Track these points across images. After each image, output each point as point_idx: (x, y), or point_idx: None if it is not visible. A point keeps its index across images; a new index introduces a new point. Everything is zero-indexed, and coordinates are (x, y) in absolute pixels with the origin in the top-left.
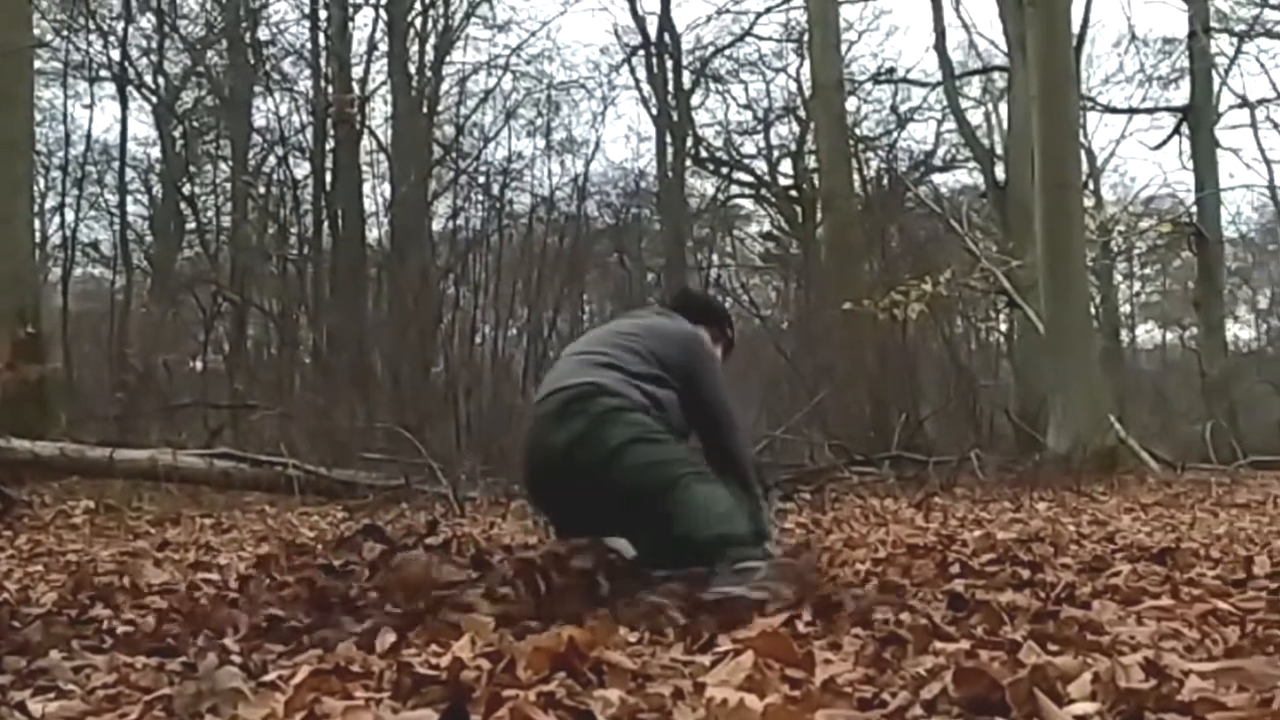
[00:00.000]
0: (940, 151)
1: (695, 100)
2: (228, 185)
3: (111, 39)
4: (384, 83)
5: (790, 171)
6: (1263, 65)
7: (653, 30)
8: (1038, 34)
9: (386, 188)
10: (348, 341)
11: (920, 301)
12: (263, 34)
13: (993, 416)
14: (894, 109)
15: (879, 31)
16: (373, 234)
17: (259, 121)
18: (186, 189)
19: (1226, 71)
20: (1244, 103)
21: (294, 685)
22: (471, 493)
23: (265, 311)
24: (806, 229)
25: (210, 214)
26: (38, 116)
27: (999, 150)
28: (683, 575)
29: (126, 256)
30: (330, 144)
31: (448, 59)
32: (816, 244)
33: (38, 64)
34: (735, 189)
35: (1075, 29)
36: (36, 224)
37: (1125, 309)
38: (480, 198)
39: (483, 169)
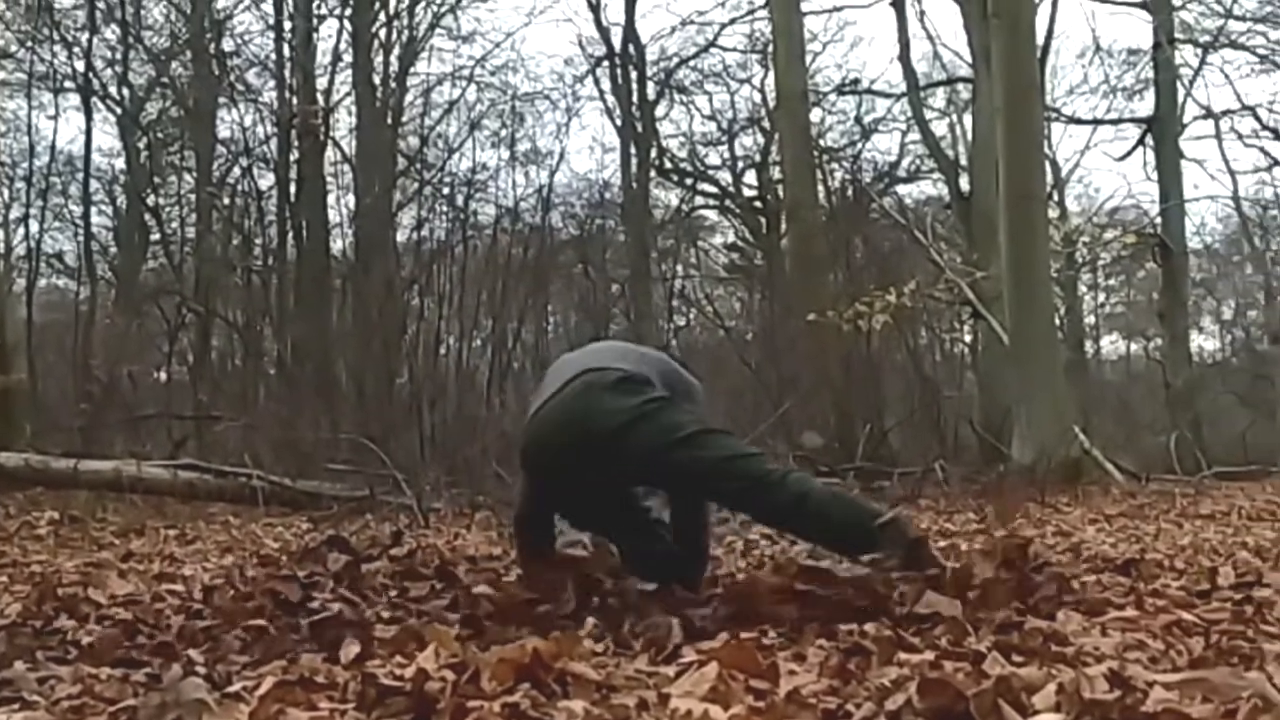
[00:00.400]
0: (905, 162)
1: (660, 111)
2: (192, 196)
3: (76, 50)
4: (348, 94)
5: (755, 182)
6: (1227, 76)
7: (617, 41)
8: (1002, 45)
9: (351, 199)
10: (312, 352)
11: (885, 312)
12: (227, 45)
13: (957, 427)
14: (858, 120)
15: (843, 43)
16: (337, 245)
17: (223, 132)
18: (151, 200)
19: (1191, 83)
20: (1208, 114)
21: (258, 696)
22: (436, 504)
23: (230, 322)
24: (771, 240)
25: (175, 225)
26: (1, 128)
27: (963, 161)
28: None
29: (91, 267)
30: (295, 155)
31: (412, 70)
32: (781, 255)
33: (1, 75)
34: (700, 200)
35: (1040, 40)
36: (0, 235)
37: (1090, 320)
38: (445, 209)
39: (447, 180)
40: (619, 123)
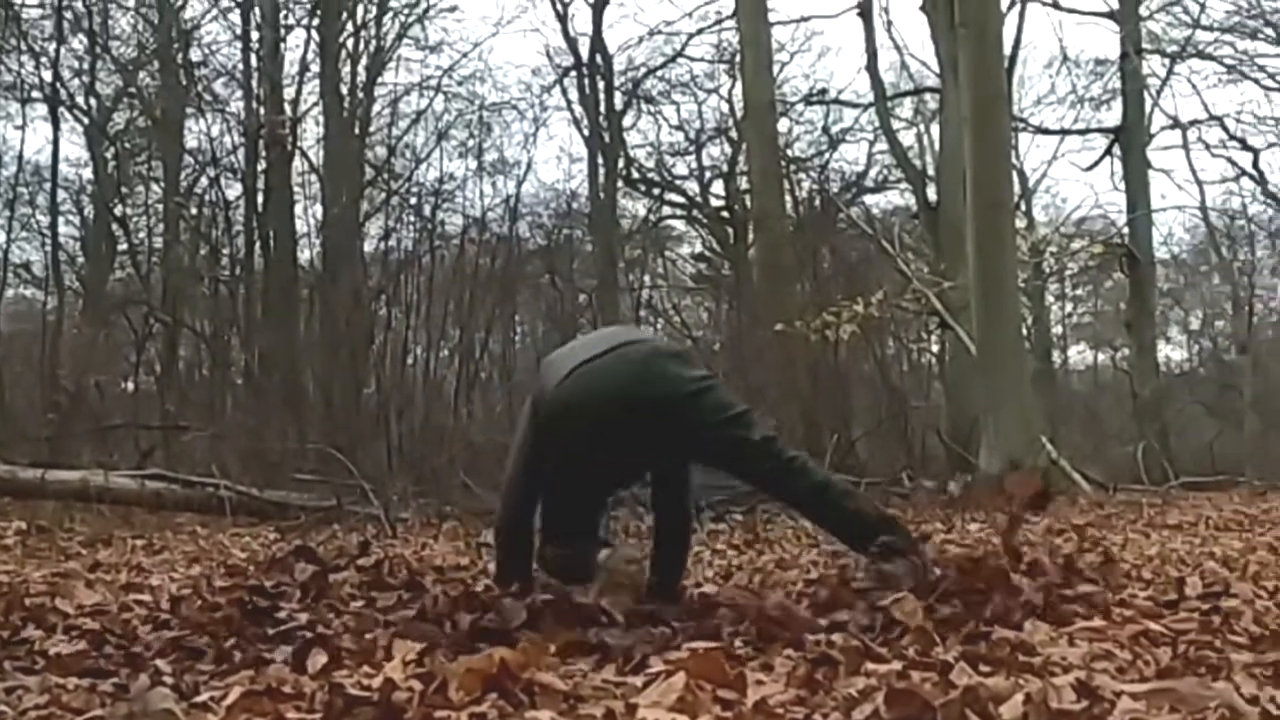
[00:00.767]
0: (872, 172)
1: (627, 121)
2: (159, 206)
3: (43, 60)
4: (316, 104)
5: (722, 192)
6: (1194, 86)
7: (584, 51)
8: (969, 55)
9: (318, 209)
10: (279, 362)
11: (852, 322)
12: (195, 55)
13: (924, 437)
14: (826, 130)
15: (811, 53)
16: (304, 255)
17: (191, 143)
18: (118, 210)
19: (1158, 93)
20: (1175, 124)
21: (225, 706)
22: (403, 514)
23: (197, 332)
24: (738, 250)
25: (142, 235)
26: None
27: (931, 171)
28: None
29: (58, 278)
30: (262, 165)
31: (379, 80)
32: (748, 265)
33: None
34: (667, 210)
35: (1007, 50)
36: None
37: (1057, 330)
38: (412, 219)
39: (414, 190)
40: (586, 133)
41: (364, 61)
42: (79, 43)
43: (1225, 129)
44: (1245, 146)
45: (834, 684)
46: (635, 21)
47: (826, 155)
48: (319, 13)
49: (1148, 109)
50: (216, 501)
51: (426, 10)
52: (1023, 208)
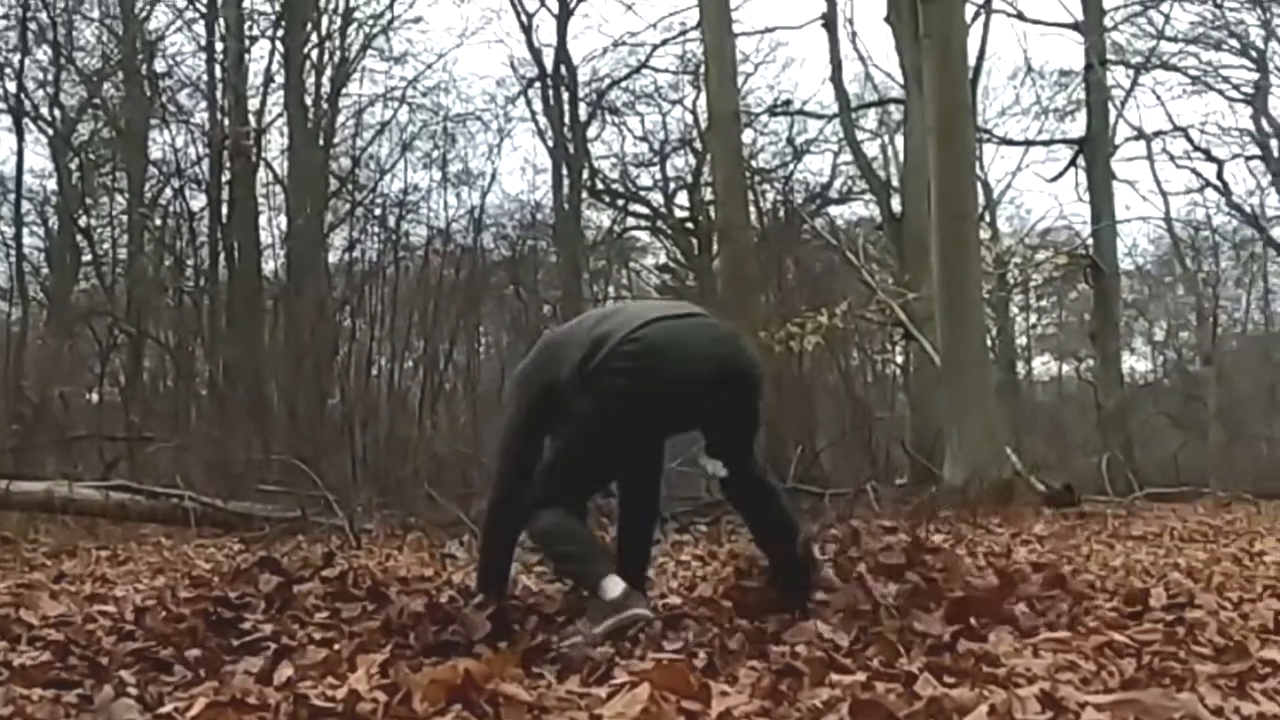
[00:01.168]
0: (836, 183)
1: (591, 132)
2: (124, 217)
3: (8, 71)
4: (280, 115)
5: (686, 203)
6: (1159, 97)
7: (549, 62)
8: (934, 66)
9: (283, 219)
10: (244, 373)
11: (816, 333)
12: (159, 66)
13: (889, 448)
14: (790, 141)
15: (775, 64)
16: (269, 266)
17: (155, 154)
18: (83, 221)
19: (1123, 104)
20: (1140, 135)
21: (190, 717)
22: (368, 525)
23: (161, 344)
24: (703, 261)
25: (106, 246)
26: None
27: (895, 182)
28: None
29: (23, 289)
30: (226, 176)
31: (344, 91)
32: (713, 276)
33: None
34: (631, 221)
35: (971, 61)
36: None
37: (1021, 341)
38: (376, 230)
39: (379, 201)
40: (551, 144)
41: (329, 73)
42: (43, 54)
43: (1190, 140)
44: (1209, 158)
45: (799, 695)
46: (600, 33)
47: (791, 166)
48: (283, 24)
49: (1112, 120)
50: (181, 512)
51: (391, 21)
52: (987, 219)
